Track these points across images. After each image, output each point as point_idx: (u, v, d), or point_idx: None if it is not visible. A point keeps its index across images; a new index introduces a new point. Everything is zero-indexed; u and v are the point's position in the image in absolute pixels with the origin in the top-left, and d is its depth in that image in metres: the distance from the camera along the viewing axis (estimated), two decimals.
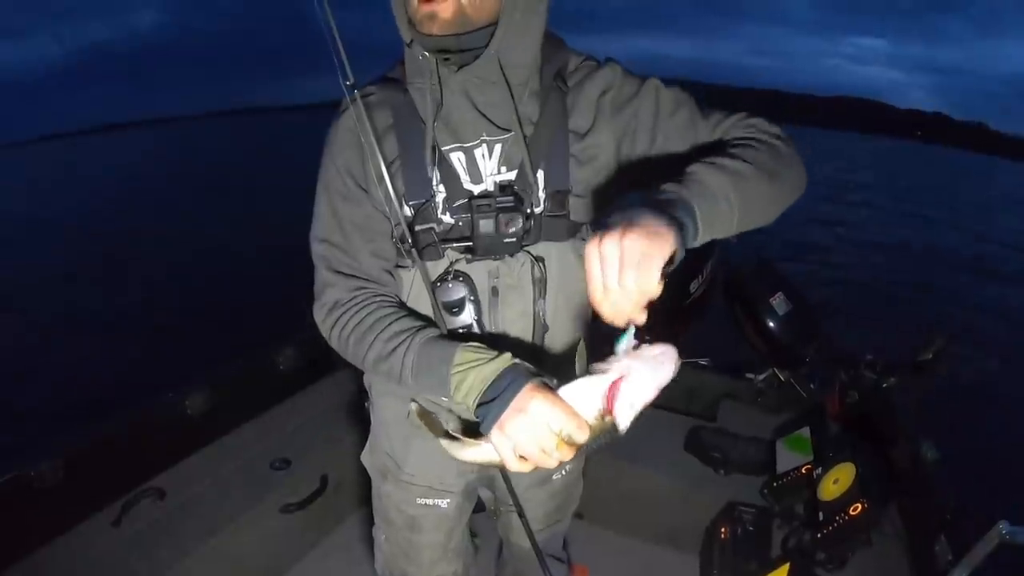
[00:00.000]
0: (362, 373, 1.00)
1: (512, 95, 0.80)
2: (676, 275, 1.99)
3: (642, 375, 0.65)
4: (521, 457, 0.68)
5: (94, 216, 14.40)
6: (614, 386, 0.65)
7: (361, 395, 1.11)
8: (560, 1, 0.82)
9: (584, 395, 0.66)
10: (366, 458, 1.12)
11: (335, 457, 1.91)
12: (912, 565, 1.53)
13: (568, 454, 0.66)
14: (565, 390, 0.67)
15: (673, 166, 0.73)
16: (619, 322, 0.62)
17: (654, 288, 0.58)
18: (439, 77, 0.80)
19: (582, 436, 0.65)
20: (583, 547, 1.81)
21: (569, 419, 0.65)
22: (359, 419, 2.01)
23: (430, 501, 1.05)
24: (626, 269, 0.57)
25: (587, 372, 0.68)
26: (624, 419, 0.66)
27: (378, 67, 0.93)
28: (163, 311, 6.88)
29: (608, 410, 0.66)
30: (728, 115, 0.82)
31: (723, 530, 1.69)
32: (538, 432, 0.65)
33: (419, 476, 1.03)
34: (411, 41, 0.79)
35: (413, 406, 0.87)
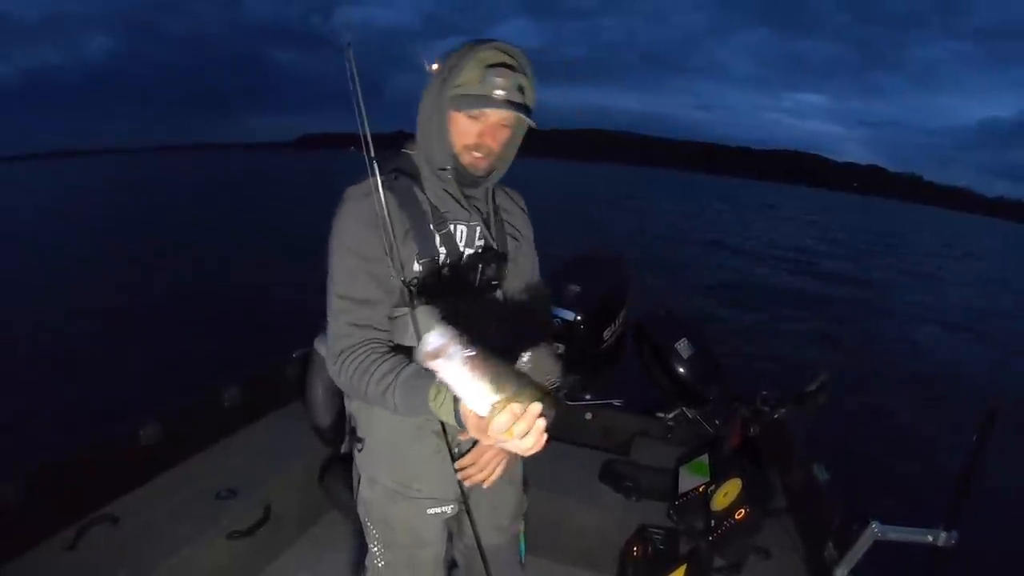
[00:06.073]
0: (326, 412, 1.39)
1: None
2: (590, 325, 2.25)
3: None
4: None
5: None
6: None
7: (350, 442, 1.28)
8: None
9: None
10: (366, 492, 1.26)
11: (278, 489, 2.03)
12: (806, 571, 1.73)
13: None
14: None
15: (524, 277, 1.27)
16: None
17: None
18: (462, 192, 1.15)
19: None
20: None
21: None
22: (300, 454, 2.17)
23: (438, 509, 1.24)
24: None
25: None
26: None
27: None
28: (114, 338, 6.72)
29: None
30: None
31: (635, 550, 1.87)
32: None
33: (426, 490, 1.23)
34: (448, 168, 1.12)
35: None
